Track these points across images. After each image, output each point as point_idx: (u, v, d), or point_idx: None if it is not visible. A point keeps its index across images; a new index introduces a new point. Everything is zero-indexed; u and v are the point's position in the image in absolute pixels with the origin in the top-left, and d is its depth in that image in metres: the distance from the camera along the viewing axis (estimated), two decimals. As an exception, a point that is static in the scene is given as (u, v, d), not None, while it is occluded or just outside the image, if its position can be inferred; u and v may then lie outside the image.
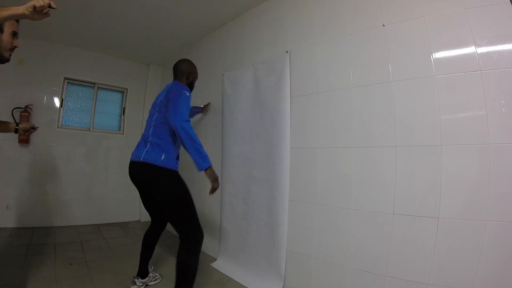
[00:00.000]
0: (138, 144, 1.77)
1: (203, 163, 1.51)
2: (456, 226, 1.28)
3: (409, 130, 1.45)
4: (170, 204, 1.60)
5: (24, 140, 3.05)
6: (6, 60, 1.26)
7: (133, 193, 3.91)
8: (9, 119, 2.95)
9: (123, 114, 3.91)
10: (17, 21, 1.27)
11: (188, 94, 1.68)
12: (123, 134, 3.87)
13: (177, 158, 1.74)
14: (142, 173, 1.65)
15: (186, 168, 2.04)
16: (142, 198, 1.88)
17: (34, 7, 0.94)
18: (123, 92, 3.94)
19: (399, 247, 1.43)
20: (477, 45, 1.28)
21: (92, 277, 1.98)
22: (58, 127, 3.39)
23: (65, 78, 3.45)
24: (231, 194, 2.39)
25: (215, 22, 2.78)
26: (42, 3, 0.94)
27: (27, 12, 0.95)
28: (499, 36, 1.25)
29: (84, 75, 3.57)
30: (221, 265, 2.35)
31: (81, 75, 3.55)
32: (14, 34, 1.26)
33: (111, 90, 3.86)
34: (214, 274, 2.23)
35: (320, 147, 1.82)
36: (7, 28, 1.23)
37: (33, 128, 1.70)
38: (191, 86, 1.94)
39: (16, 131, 1.62)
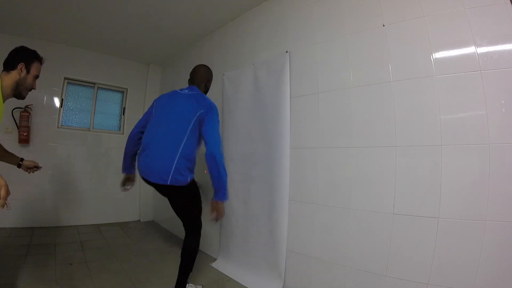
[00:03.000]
0: (152, 159, 1.64)
1: (224, 196, 1.62)
2: (456, 226, 1.28)
3: (409, 130, 1.45)
4: (188, 210, 1.77)
5: (24, 140, 3.05)
6: (23, 98, 1.36)
7: (133, 193, 3.93)
8: (9, 119, 2.95)
9: (123, 114, 3.91)
10: (41, 64, 1.39)
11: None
12: (123, 134, 3.87)
13: None
14: (171, 193, 1.72)
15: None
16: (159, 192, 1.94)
17: None
18: (123, 92, 3.94)
19: (399, 247, 1.43)
20: (477, 45, 1.28)
21: (92, 277, 1.98)
22: (58, 127, 3.39)
23: (65, 78, 3.45)
24: (231, 194, 2.38)
25: (215, 22, 2.78)
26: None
27: None
28: (499, 36, 1.25)
29: (84, 75, 3.57)
30: (221, 265, 2.35)
31: (81, 75, 3.55)
32: (36, 77, 1.37)
33: (111, 90, 3.86)
34: (214, 274, 2.23)
35: (320, 147, 1.82)
36: (33, 71, 1.34)
37: (36, 168, 1.67)
38: (206, 93, 1.94)
39: (19, 165, 1.62)
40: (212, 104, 1.74)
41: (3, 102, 1.27)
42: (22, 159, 1.63)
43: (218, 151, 1.61)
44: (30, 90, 1.37)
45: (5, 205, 0.97)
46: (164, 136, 1.66)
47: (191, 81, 1.91)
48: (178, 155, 1.61)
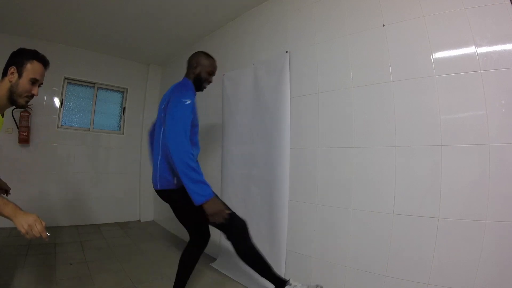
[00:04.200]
0: (153, 163, 1.61)
1: (199, 195, 1.33)
2: (456, 226, 1.28)
3: (409, 130, 1.45)
4: (185, 216, 1.65)
5: (24, 140, 3.05)
6: (21, 106, 1.18)
7: (133, 193, 3.94)
8: (9, 119, 2.95)
9: (123, 114, 3.91)
10: (45, 67, 1.19)
11: (187, 102, 1.43)
12: (123, 134, 3.87)
13: None
14: (165, 199, 1.62)
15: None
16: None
17: (26, 232, 0.92)
18: (123, 92, 3.94)
19: (399, 247, 1.43)
20: (477, 45, 1.28)
21: (92, 277, 1.98)
22: (58, 127, 3.39)
23: (65, 78, 3.45)
24: (231, 194, 2.39)
25: (215, 22, 2.78)
26: (34, 234, 0.92)
27: (22, 230, 0.92)
28: (499, 36, 1.25)
29: (84, 75, 3.58)
30: (221, 265, 2.35)
31: (81, 75, 3.55)
32: (34, 82, 1.15)
33: (111, 90, 3.86)
34: (214, 274, 2.23)
35: (320, 147, 1.82)
36: (26, 74, 1.12)
37: (7, 192, 1.55)
38: (198, 80, 1.63)
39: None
40: (176, 89, 1.51)
41: (2, 112, 1.16)
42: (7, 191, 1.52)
43: (174, 150, 1.33)
44: (29, 97, 1.16)
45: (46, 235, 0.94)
46: (156, 140, 1.59)
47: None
48: (159, 160, 1.50)
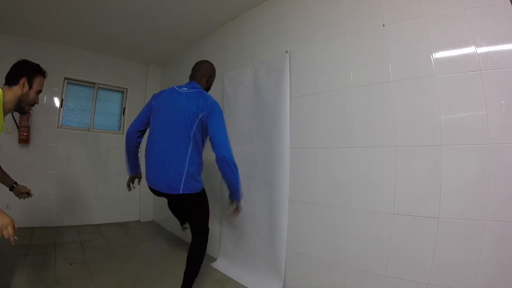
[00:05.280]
0: (162, 169, 1.59)
1: (239, 195, 1.66)
2: (456, 226, 1.28)
3: (409, 130, 1.45)
4: (198, 215, 1.74)
5: (24, 140, 3.05)
6: (25, 113, 1.37)
7: (133, 193, 3.91)
8: (9, 119, 2.95)
9: (123, 114, 3.91)
10: (44, 78, 1.36)
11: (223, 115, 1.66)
12: (123, 134, 3.87)
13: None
14: (179, 201, 1.71)
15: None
16: (170, 207, 2.04)
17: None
18: (123, 92, 3.94)
19: (399, 247, 1.43)
20: (477, 45, 1.28)
21: (92, 277, 1.98)
22: (58, 127, 3.39)
23: (65, 78, 3.45)
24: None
25: (215, 22, 2.78)
26: (3, 235, 0.98)
27: None
28: (499, 36, 1.25)
29: (84, 75, 3.57)
30: (221, 265, 2.35)
31: (81, 75, 3.55)
32: (39, 92, 1.35)
33: (111, 90, 3.86)
34: (214, 274, 2.23)
35: (320, 147, 1.82)
36: (36, 86, 1.31)
37: (28, 194, 1.65)
38: (208, 89, 1.83)
39: (11, 188, 1.61)
40: (214, 102, 1.64)
41: (4, 117, 1.25)
42: (16, 183, 1.62)
43: (228, 152, 1.55)
44: (33, 105, 1.35)
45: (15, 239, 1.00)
46: (169, 143, 1.59)
47: (192, 77, 1.79)
48: (187, 162, 1.56)
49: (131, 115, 3.91)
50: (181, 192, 1.56)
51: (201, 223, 1.74)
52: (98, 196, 3.60)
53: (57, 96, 3.37)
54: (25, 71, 1.28)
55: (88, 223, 3.44)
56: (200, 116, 1.58)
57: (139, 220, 3.87)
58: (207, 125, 1.59)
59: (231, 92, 2.51)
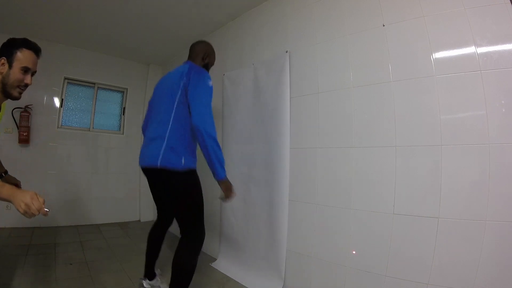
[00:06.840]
0: (147, 145, 1.54)
1: (222, 171, 1.43)
2: (456, 226, 1.28)
3: (409, 130, 1.45)
4: (184, 204, 1.49)
5: (24, 140, 3.05)
6: (15, 98, 1.12)
7: (133, 193, 3.94)
8: (9, 119, 2.95)
9: (123, 114, 3.91)
10: (37, 55, 1.16)
11: (211, 85, 1.47)
12: (123, 134, 3.87)
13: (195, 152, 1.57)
14: (160, 179, 1.51)
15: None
16: (152, 190, 1.71)
17: (25, 212, 0.83)
18: (123, 92, 3.94)
19: (399, 247, 1.43)
20: (477, 45, 1.28)
21: (92, 277, 1.98)
22: (58, 127, 3.39)
23: (65, 78, 3.45)
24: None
25: (215, 22, 2.78)
26: (32, 212, 0.83)
27: (20, 210, 0.83)
28: (499, 36, 1.25)
29: (84, 75, 3.57)
30: (221, 265, 2.35)
31: (81, 75, 3.55)
32: (26, 70, 1.11)
33: (111, 90, 3.86)
34: (214, 274, 2.23)
35: (320, 147, 1.82)
36: (17, 63, 1.08)
37: (16, 186, 1.35)
38: (207, 68, 1.71)
39: (0, 176, 1.44)
40: (199, 72, 1.50)
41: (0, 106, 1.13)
42: (6, 172, 1.46)
43: (204, 123, 1.37)
44: (23, 87, 1.12)
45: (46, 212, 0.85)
46: (155, 118, 1.55)
47: (188, 57, 1.72)
48: (167, 133, 1.43)
49: (131, 115, 3.92)
50: (159, 164, 1.40)
51: (190, 219, 1.48)
52: (98, 196, 3.60)
53: (57, 96, 3.37)
54: (4, 50, 1.09)
55: (88, 223, 3.44)
56: (181, 85, 1.46)
57: (139, 220, 3.87)
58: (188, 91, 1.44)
59: (231, 92, 2.51)
